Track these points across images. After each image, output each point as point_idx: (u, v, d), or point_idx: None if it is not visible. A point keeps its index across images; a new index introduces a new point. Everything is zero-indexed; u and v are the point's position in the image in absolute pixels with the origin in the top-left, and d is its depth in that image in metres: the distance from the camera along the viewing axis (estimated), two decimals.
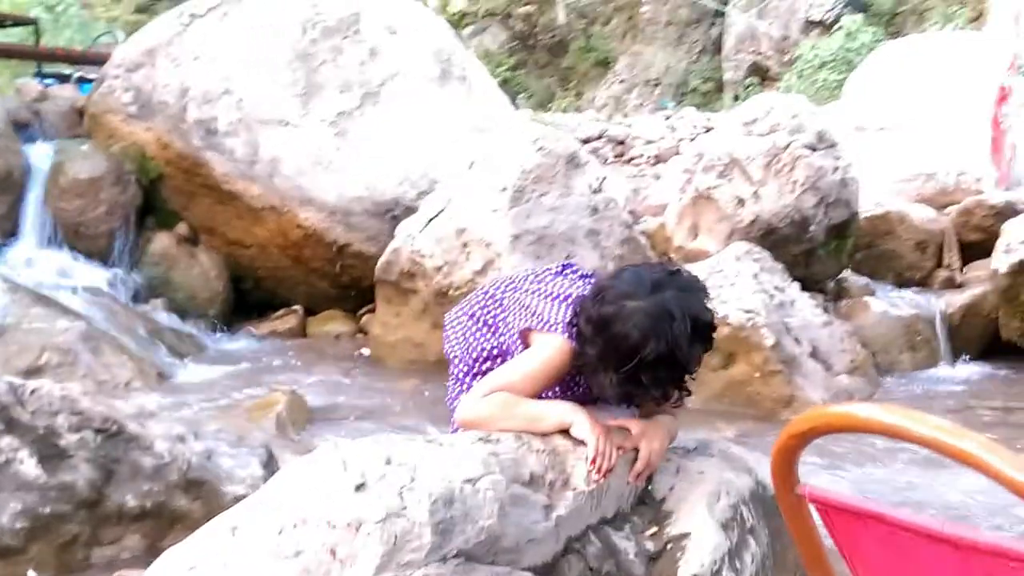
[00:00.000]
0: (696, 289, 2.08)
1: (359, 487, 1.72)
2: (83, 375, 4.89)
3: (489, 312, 2.32)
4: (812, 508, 1.34)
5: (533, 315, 2.18)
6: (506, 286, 2.32)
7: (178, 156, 6.85)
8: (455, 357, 2.40)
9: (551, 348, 2.13)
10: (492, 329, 2.31)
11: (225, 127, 6.80)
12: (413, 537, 1.67)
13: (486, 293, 2.37)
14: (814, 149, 6.10)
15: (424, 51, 7.37)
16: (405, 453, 1.82)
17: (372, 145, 6.88)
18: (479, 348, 2.34)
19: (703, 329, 2.02)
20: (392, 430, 4.47)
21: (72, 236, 6.51)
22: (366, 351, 6.21)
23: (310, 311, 7.11)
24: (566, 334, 2.10)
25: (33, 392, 2.64)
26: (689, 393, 2.13)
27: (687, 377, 2.07)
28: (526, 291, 2.24)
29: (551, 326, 2.13)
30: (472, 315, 2.37)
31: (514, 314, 2.23)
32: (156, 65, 7.03)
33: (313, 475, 1.76)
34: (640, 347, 1.95)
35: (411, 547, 1.67)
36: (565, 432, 2.10)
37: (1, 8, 13.74)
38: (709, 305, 2.07)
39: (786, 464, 1.30)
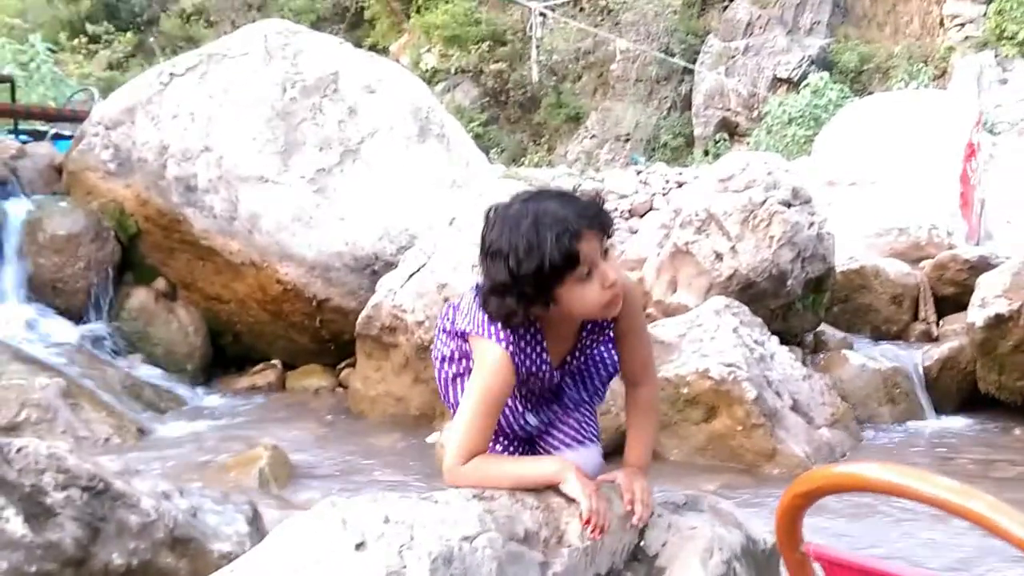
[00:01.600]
0: (567, 200, 1.98)
1: (359, 546, 1.72)
2: (62, 431, 4.84)
3: (449, 320, 2.21)
4: (817, 567, 1.35)
5: (465, 315, 2.10)
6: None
7: (157, 212, 6.86)
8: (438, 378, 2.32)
9: (488, 364, 2.06)
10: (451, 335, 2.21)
11: (204, 184, 6.82)
12: None
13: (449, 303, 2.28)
14: (789, 205, 6.19)
15: (402, 109, 7.44)
16: (403, 511, 1.82)
17: (351, 201, 6.91)
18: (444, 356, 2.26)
19: (554, 236, 1.90)
20: (376, 485, 4.45)
21: (50, 292, 6.48)
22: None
23: (289, 365, 7.09)
24: (491, 335, 2.04)
25: (19, 450, 2.61)
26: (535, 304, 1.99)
27: (535, 292, 1.96)
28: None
29: (480, 328, 2.06)
30: (442, 330, 2.27)
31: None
32: (135, 123, 7.05)
33: (313, 533, 1.76)
34: (484, 238, 1.99)
35: None
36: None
37: None
38: (577, 217, 1.93)
39: (791, 522, 1.32)
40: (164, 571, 2.71)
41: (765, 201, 6.11)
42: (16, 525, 2.49)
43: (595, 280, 1.97)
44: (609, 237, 2.02)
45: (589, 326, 2.20)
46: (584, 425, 2.31)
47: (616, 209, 16.51)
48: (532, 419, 2.28)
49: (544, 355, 2.15)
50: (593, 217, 1.96)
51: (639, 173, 17.82)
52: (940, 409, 6.34)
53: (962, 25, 21.67)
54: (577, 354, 2.24)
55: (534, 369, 2.16)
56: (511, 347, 2.06)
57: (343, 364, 6.89)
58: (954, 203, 8.73)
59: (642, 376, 2.29)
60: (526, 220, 1.93)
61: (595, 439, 2.32)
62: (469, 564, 1.77)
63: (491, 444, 2.29)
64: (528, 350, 2.12)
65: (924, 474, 1.11)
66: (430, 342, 5.57)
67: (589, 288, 1.97)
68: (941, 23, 22.38)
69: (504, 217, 1.98)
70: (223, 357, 7.19)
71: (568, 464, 2.08)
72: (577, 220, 1.92)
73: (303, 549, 1.73)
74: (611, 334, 2.23)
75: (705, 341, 5.23)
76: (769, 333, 5.67)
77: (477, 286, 2.10)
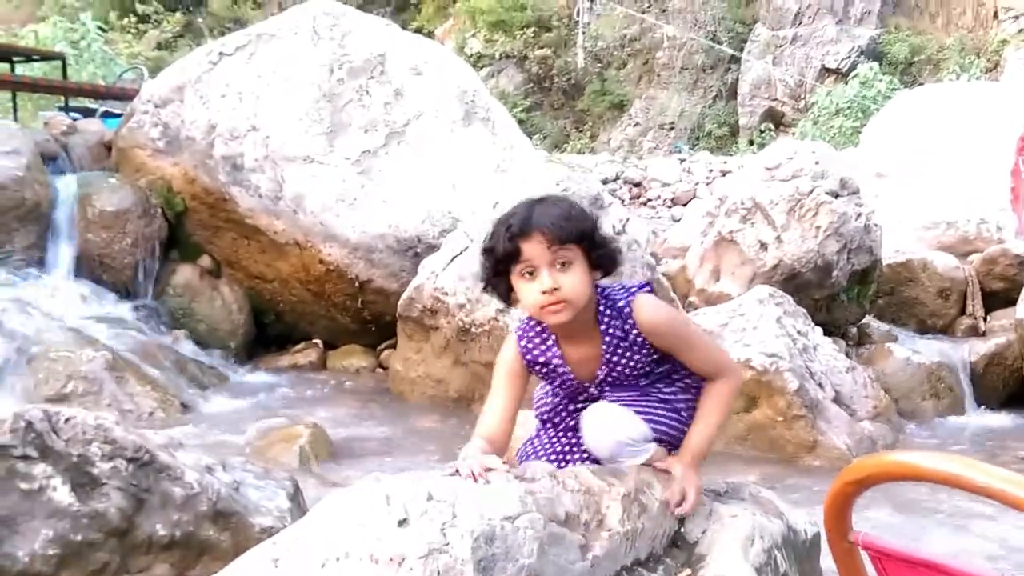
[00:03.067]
0: (552, 206, 2.11)
1: (402, 522, 1.72)
2: (108, 404, 4.91)
3: None
4: (864, 555, 1.34)
5: None
6: None
7: (204, 191, 6.92)
8: None
9: (505, 342, 2.33)
10: None
11: (251, 163, 6.87)
12: (455, 573, 1.67)
13: None
14: (837, 195, 6.13)
15: (448, 92, 7.44)
16: (445, 489, 1.83)
17: (396, 183, 6.93)
18: None
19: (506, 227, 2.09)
20: (415, 465, 4.48)
21: (98, 267, 6.56)
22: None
23: (330, 345, 7.14)
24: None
25: (67, 420, 2.65)
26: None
27: (493, 272, 2.16)
28: None
29: None
30: None
31: None
32: (184, 101, 7.11)
33: (356, 509, 1.77)
34: None
35: None
36: (599, 471, 2.13)
37: (27, 43, 13.95)
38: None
39: (840, 510, 1.30)
40: (206, 543, 2.74)
41: (812, 191, 6.05)
42: (63, 494, 2.53)
43: (535, 282, 2.07)
44: (590, 248, 2.11)
45: (607, 339, 2.20)
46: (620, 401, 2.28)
47: (659, 197, 16.48)
48: (572, 406, 2.32)
49: (555, 350, 2.23)
50: (554, 225, 2.04)
51: (683, 162, 17.74)
52: (985, 405, 6.27)
53: (1016, 17, 21.27)
54: (605, 368, 2.24)
55: (545, 361, 2.24)
56: (521, 332, 2.26)
57: (384, 345, 6.93)
58: (1004, 197, 8.57)
59: (715, 374, 2.29)
60: (511, 209, 2.12)
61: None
62: (511, 544, 1.77)
63: (540, 430, 2.39)
64: (537, 340, 2.25)
65: (979, 464, 1.10)
66: (471, 325, 5.59)
67: (529, 287, 2.09)
68: (995, 15, 21.98)
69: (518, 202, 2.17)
70: (265, 335, 7.26)
71: (470, 450, 2.08)
72: (533, 222, 2.05)
73: (346, 523, 1.74)
74: (648, 349, 2.22)
75: (747, 330, 5.19)
76: (813, 324, 5.61)
77: None
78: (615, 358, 2.21)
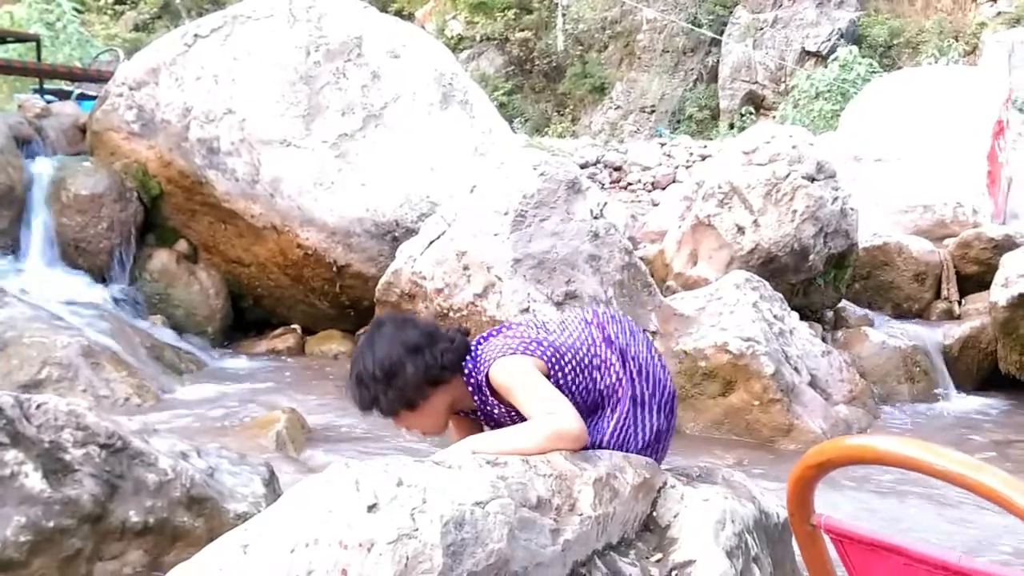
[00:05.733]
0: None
1: (371, 508, 1.72)
2: (83, 390, 4.87)
3: None
4: (827, 539, 1.35)
5: None
6: None
7: (179, 174, 6.87)
8: None
9: None
10: None
11: (227, 147, 6.82)
12: (424, 559, 1.67)
13: None
14: (813, 179, 6.15)
15: (426, 75, 7.41)
16: (416, 475, 1.83)
17: (373, 167, 6.90)
18: None
19: None
20: (392, 451, 4.47)
21: (73, 252, 6.52)
22: None
23: (308, 330, 7.12)
24: None
25: (39, 406, 2.64)
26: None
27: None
28: None
29: None
30: None
31: None
32: (159, 84, 7.05)
33: (325, 495, 1.77)
34: None
35: (422, 568, 1.67)
36: (571, 456, 2.16)
37: (2, 24, 13.78)
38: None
39: (802, 494, 1.31)
40: (180, 530, 2.73)
41: (789, 175, 6.07)
42: (35, 481, 2.52)
43: None
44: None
45: (479, 409, 2.48)
46: None
47: (639, 181, 16.50)
48: None
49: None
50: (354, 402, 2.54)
51: (663, 145, 17.73)
52: (960, 388, 6.31)
53: (994, 0, 21.35)
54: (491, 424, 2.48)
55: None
56: None
57: (362, 330, 6.90)
58: (981, 181, 8.62)
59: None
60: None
61: None
62: (480, 529, 1.77)
63: None
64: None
65: (936, 448, 1.10)
66: (449, 309, 5.59)
67: None
68: None
69: None
70: (243, 320, 7.23)
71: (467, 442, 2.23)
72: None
73: (315, 509, 1.74)
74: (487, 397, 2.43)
75: (724, 315, 5.22)
76: (789, 308, 5.64)
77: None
78: (493, 412, 2.44)
